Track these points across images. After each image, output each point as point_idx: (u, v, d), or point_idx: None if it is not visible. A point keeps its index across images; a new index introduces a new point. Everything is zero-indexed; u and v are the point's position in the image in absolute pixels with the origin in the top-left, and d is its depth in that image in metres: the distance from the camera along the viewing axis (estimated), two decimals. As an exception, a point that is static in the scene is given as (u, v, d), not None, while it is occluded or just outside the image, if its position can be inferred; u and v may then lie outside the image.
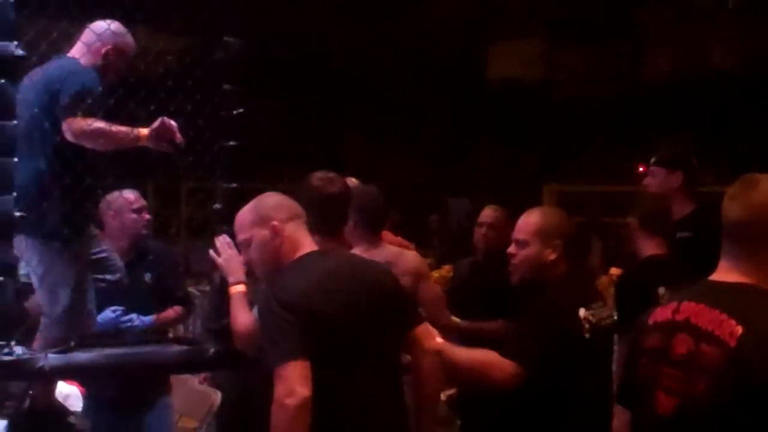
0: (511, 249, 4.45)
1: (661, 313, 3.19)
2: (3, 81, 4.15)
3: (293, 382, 3.64)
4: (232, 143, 4.76)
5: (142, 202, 5.89)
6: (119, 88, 4.81)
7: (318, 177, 4.79)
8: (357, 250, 5.48)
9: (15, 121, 4.19)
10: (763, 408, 2.88)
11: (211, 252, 4.59)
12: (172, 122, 4.58)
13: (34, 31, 4.41)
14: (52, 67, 4.69)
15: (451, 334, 5.96)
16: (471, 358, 4.38)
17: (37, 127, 4.58)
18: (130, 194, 5.79)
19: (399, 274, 5.52)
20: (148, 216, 5.92)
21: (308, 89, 17.73)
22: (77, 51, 4.80)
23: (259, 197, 4.13)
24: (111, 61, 4.75)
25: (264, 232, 3.95)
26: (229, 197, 4.78)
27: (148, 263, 5.93)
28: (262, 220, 3.97)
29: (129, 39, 4.87)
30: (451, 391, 6.44)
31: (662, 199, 5.70)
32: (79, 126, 4.48)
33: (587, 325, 4.14)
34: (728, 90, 16.34)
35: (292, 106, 17.05)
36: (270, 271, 4.03)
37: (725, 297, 3.05)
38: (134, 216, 5.79)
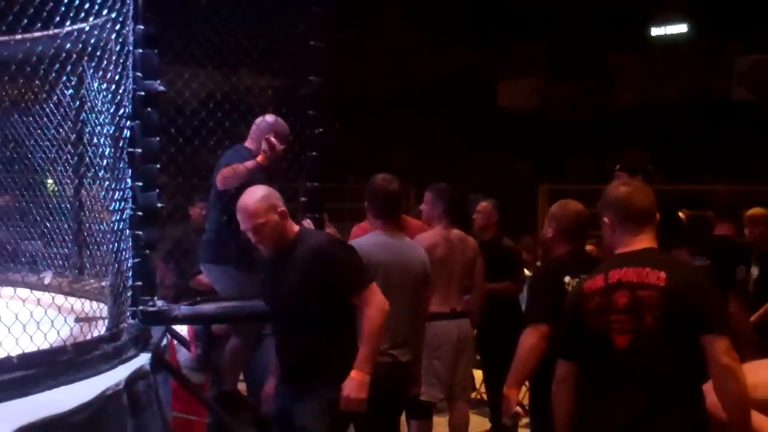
0: None
1: (592, 283, 3.20)
2: (150, 109, 4.17)
3: (382, 295, 3.84)
4: (314, 154, 4.75)
5: None
6: (233, 113, 4.83)
7: (381, 177, 4.69)
8: (436, 230, 5.49)
9: (158, 138, 4.21)
10: (693, 321, 3.03)
11: None
12: (272, 138, 4.58)
13: (171, 73, 4.43)
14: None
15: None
16: None
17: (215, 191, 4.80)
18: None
19: (468, 249, 5.55)
20: None
21: (368, 115, 17.77)
22: (248, 140, 4.89)
23: (256, 189, 4.01)
24: (272, 142, 4.74)
25: (275, 216, 3.89)
26: (312, 193, 4.78)
27: None
28: (272, 207, 3.90)
29: (281, 123, 4.85)
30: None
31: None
32: (217, 178, 4.66)
33: (570, 288, 3.91)
34: (676, 115, 16.17)
35: (356, 127, 17.09)
36: (277, 246, 3.97)
37: (642, 258, 3.18)
38: None
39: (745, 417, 3.06)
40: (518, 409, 4.09)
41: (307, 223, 4.75)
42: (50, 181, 5.80)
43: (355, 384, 3.79)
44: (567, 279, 4.07)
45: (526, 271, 7.54)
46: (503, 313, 6.36)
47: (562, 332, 3.35)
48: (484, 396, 7.03)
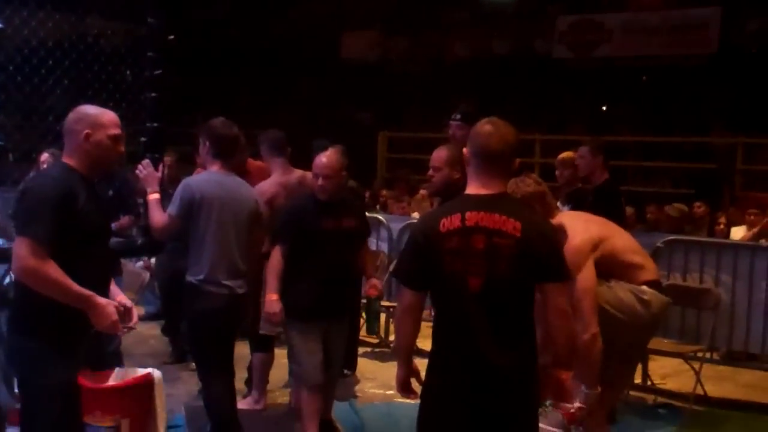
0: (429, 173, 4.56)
1: (449, 223, 3.10)
2: (-13, 47, 4.00)
3: None
4: (153, 95, 4.67)
5: None
6: (75, 52, 4.66)
7: (221, 122, 4.70)
8: (273, 178, 5.49)
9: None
10: (542, 269, 3.10)
11: (137, 170, 4.54)
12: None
13: (9, 11, 4.23)
14: None
15: None
16: None
17: None
18: None
19: (308, 188, 5.54)
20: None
21: (218, 64, 17.43)
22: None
23: None
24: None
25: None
26: (152, 134, 4.71)
27: (110, 182, 5.73)
28: None
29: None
30: None
31: None
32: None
33: None
34: (503, 69, 16.60)
35: (205, 75, 16.74)
36: None
37: (497, 204, 3.11)
38: None
39: (570, 351, 3.26)
40: None
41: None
42: None
43: None
44: None
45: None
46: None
47: (411, 263, 3.23)
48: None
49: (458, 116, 5.69)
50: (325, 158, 4.85)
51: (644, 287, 4.15)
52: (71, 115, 3.46)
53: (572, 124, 15.45)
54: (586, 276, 3.94)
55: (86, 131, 3.37)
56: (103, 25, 4.91)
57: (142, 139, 4.78)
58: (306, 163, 6.93)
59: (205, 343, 4.59)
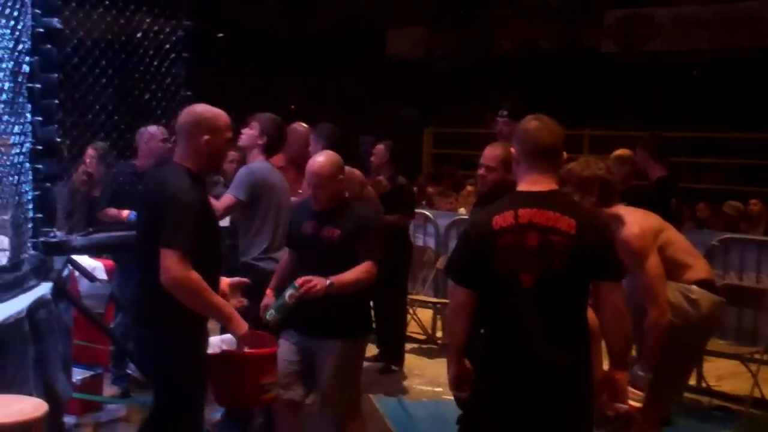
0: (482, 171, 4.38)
1: (502, 220, 3.10)
2: (49, 46, 4.13)
3: None
4: (188, 93, 4.85)
5: (166, 134, 5.67)
6: (121, 52, 4.83)
7: (278, 122, 5.07)
8: None
9: (56, 74, 4.16)
10: (597, 267, 3.11)
11: None
12: None
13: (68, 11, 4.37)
14: None
15: None
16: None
17: None
18: (155, 129, 5.72)
19: (354, 184, 5.58)
20: (170, 144, 5.79)
21: (260, 56, 17.58)
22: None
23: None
24: None
25: None
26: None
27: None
28: None
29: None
30: None
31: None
32: None
33: None
34: (550, 65, 16.48)
35: (251, 71, 16.90)
36: None
37: (550, 201, 3.11)
38: (160, 144, 5.72)
39: (628, 349, 3.30)
40: None
41: None
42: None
43: None
44: None
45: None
46: (391, 244, 6.53)
47: (463, 261, 3.23)
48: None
49: (505, 112, 5.71)
50: (319, 160, 4.22)
51: (693, 287, 4.10)
52: (187, 117, 3.53)
53: (622, 120, 15.30)
54: (655, 262, 3.91)
55: (206, 137, 3.45)
56: (148, 25, 5.06)
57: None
58: (351, 160, 7.00)
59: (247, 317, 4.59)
